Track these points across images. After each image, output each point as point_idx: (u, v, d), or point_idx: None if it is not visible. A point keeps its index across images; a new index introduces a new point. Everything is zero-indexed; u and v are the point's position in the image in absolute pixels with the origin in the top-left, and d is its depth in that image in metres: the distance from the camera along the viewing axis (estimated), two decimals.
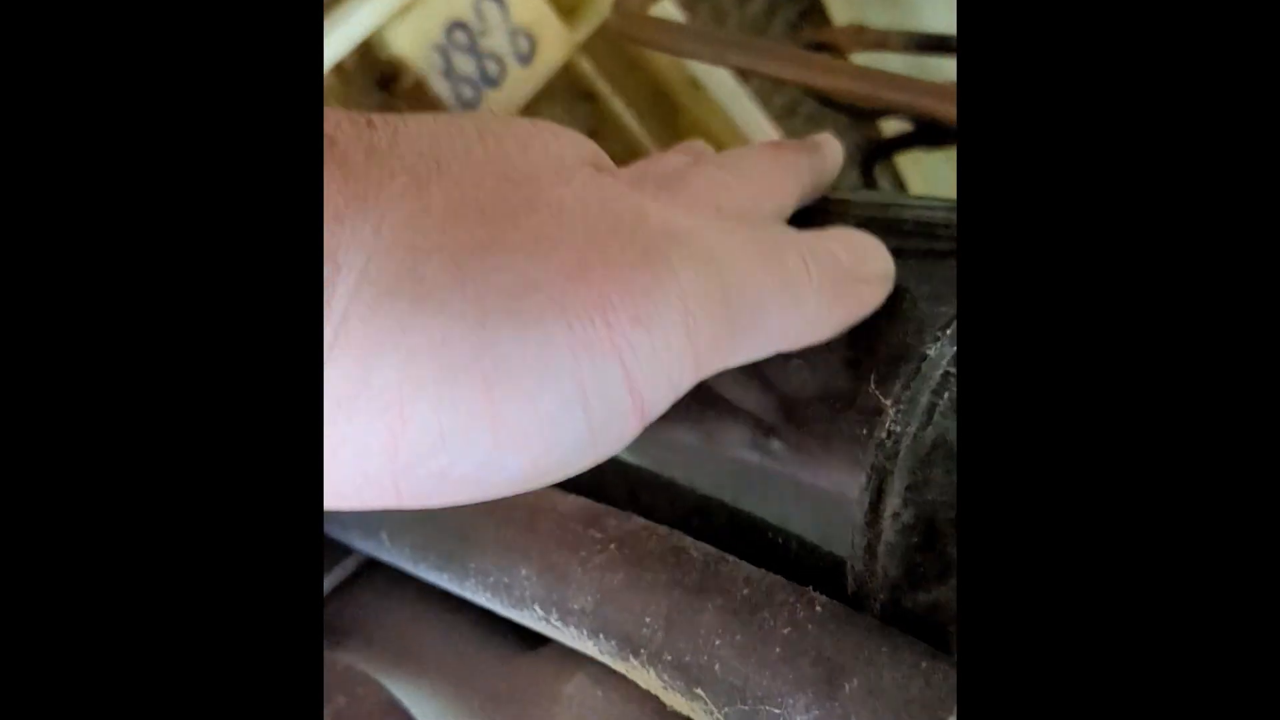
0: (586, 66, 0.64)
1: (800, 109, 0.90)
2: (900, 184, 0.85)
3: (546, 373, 0.23)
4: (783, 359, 0.31)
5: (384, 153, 0.22)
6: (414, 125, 0.23)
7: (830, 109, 0.59)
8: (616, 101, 0.65)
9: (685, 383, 0.25)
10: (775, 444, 0.31)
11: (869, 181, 0.63)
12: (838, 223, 0.34)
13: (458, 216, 0.22)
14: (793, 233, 0.30)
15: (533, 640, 0.37)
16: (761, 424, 0.32)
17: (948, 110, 0.42)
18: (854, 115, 0.61)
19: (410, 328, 0.22)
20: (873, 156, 0.61)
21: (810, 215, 0.35)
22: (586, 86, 0.65)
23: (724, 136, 0.68)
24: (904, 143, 0.58)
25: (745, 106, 0.68)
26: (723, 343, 0.26)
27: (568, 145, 0.25)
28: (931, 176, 0.81)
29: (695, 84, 0.67)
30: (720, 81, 0.67)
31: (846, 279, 0.29)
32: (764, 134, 0.70)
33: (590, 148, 0.26)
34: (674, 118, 0.68)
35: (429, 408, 0.22)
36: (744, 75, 0.65)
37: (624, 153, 0.67)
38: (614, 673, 0.32)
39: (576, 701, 0.33)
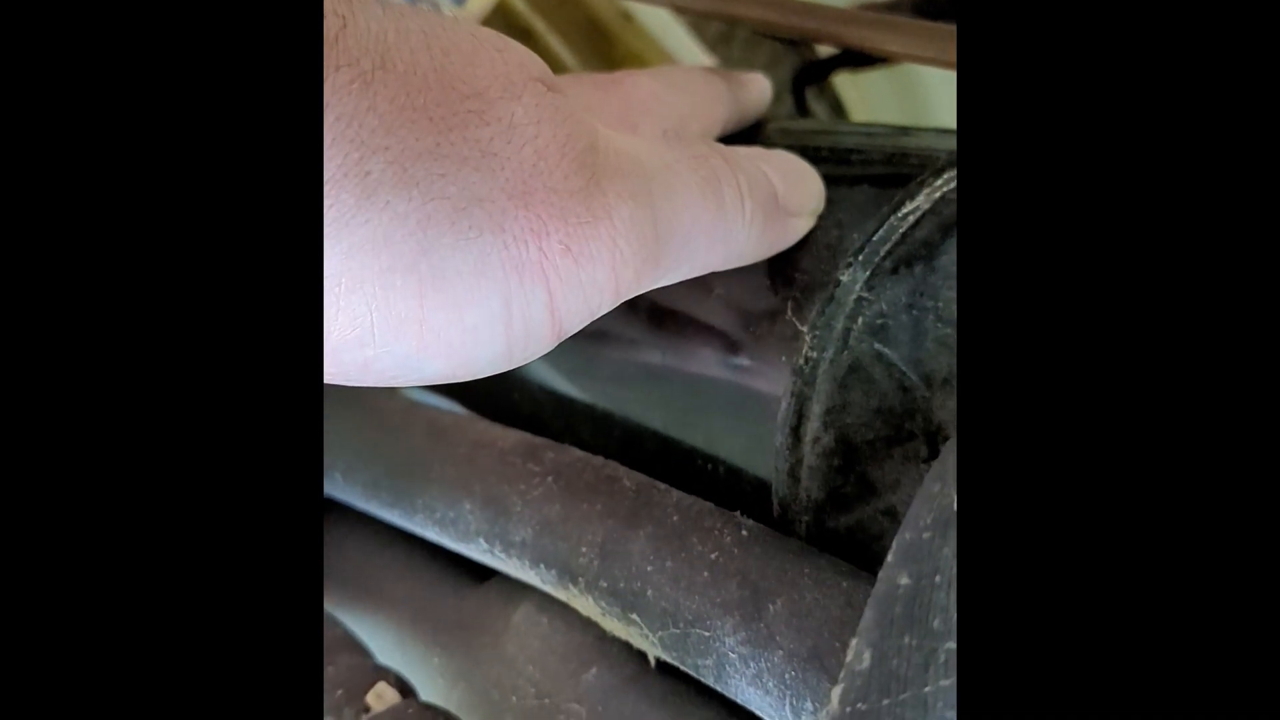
0: (520, 3, 0.63)
1: (735, 36, 0.89)
2: (839, 107, 0.84)
3: (478, 287, 0.23)
4: (704, 290, 0.31)
5: (330, 43, 0.21)
6: (362, 20, 0.22)
7: (764, 35, 0.58)
8: (552, 37, 0.64)
9: (603, 309, 0.26)
10: (699, 373, 0.31)
11: (801, 105, 0.63)
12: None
13: (404, 120, 0.22)
14: (736, 155, 0.29)
15: (481, 573, 0.37)
16: (688, 354, 0.32)
17: (866, 39, 0.41)
18: (787, 41, 0.61)
19: (354, 223, 0.22)
20: (803, 81, 0.61)
21: (734, 142, 0.35)
22: (521, 23, 0.64)
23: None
24: (831, 66, 0.57)
25: (678, 36, 0.68)
26: (646, 275, 0.26)
27: (515, 61, 0.25)
28: (870, 97, 0.80)
29: (628, 16, 0.66)
30: (652, 13, 0.66)
31: (778, 213, 0.29)
32: (697, 60, 0.70)
33: (538, 65, 0.25)
34: (609, 51, 0.67)
35: (363, 303, 0.22)
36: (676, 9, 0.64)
37: None
38: (557, 601, 0.32)
39: (523, 630, 0.33)
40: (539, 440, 0.34)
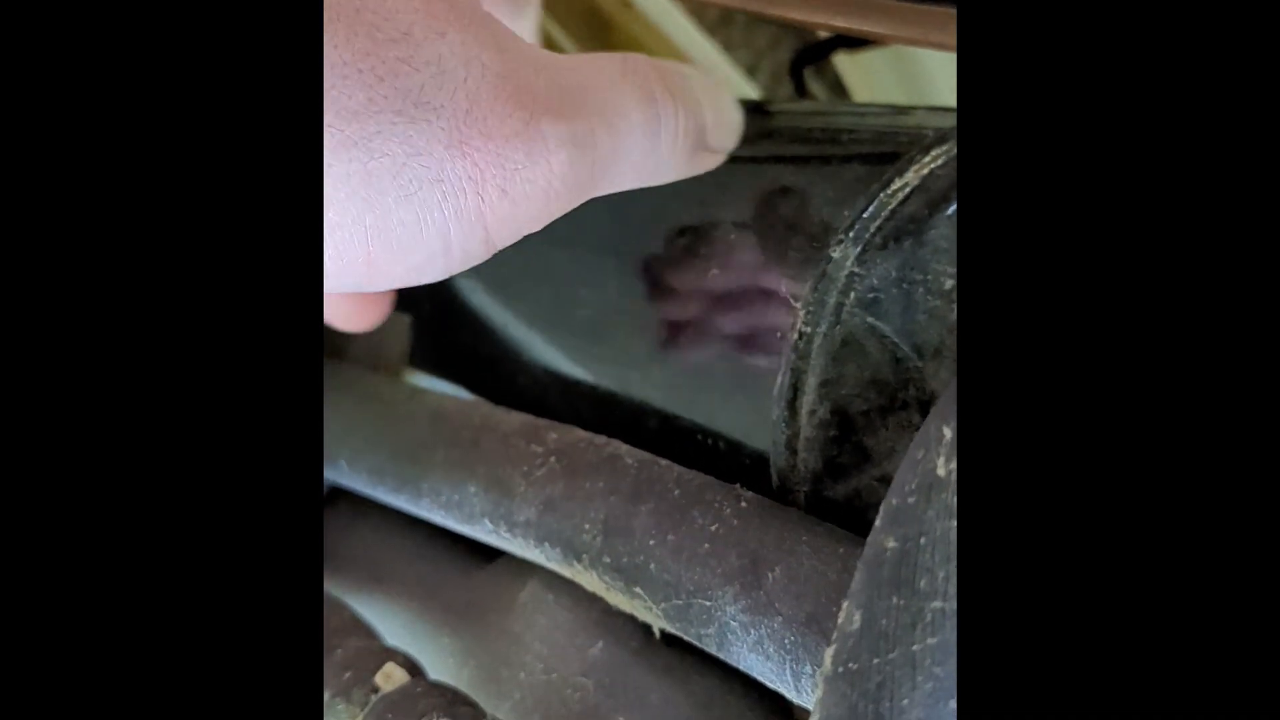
0: None
1: (734, 20, 0.89)
2: (839, 87, 0.84)
3: (420, 234, 0.24)
4: (701, 269, 0.31)
5: None
6: None
7: (762, 19, 0.58)
8: (549, 22, 0.65)
9: (534, 229, 0.27)
10: (698, 351, 0.32)
11: (800, 87, 0.63)
12: (762, 132, 0.34)
13: (336, 77, 0.22)
14: (677, 83, 0.29)
15: (488, 554, 0.37)
16: (685, 333, 0.32)
17: (857, 24, 0.41)
18: (785, 23, 0.61)
19: None
20: (801, 62, 0.61)
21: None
22: None
23: (658, 52, 0.68)
24: (829, 47, 0.57)
25: (677, 20, 0.68)
26: (576, 202, 0.27)
27: None
28: (870, 76, 0.80)
29: (626, 3, 0.66)
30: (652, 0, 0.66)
31: (702, 148, 0.30)
32: (698, 47, 0.70)
33: None
34: (608, 37, 0.68)
35: None
36: None
37: None
38: (563, 578, 0.32)
39: (529, 608, 0.33)
40: (542, 421, 0.34)
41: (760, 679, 0.26)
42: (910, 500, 0.18)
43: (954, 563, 0.18)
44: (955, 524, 0.18)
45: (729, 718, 0.29)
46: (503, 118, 0.24)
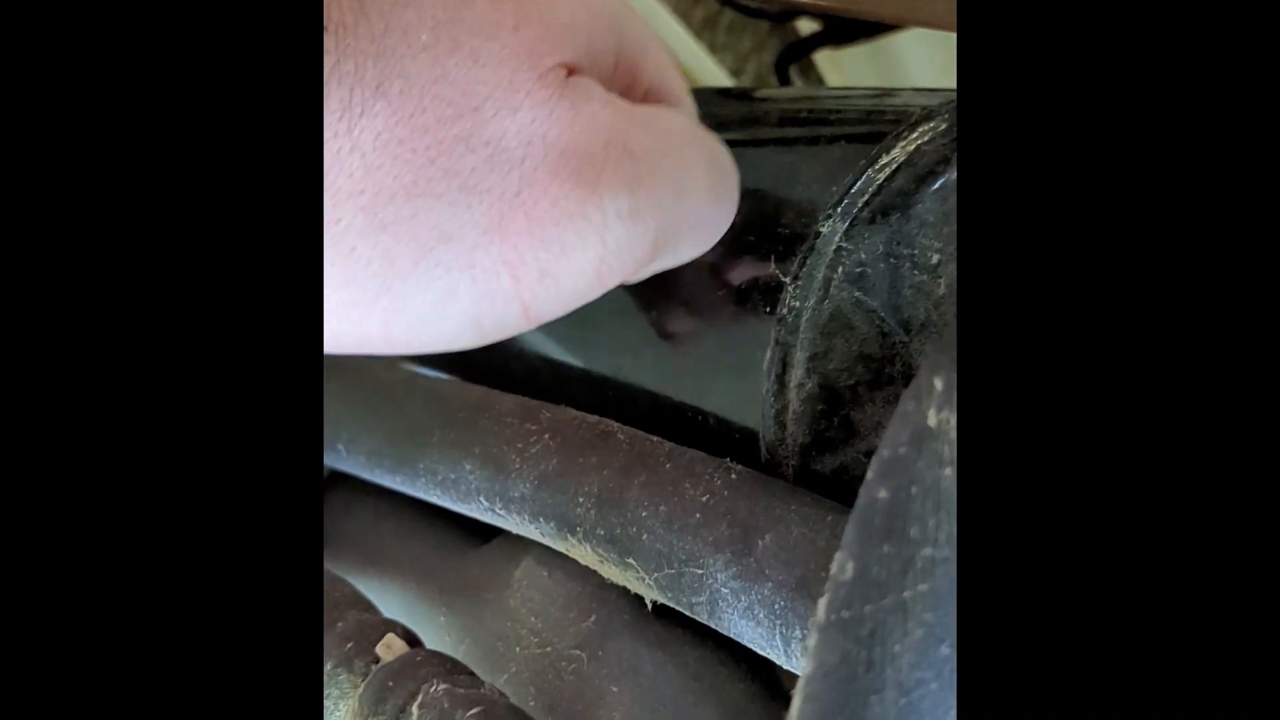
0: None
1: (720, 21, 0.90)
2: (823, 84, 0.85)
3: (442, 315, 0.23)
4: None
5: (327, 53, 0.20)
6: (373, 14, 0.20)
7: (749, 15, 0.59)
8: None
9: (587, 301, 0.25)
10: (688, 329, 0.32)
11: (785, 82, 0.64)
12: (750, 116, 0.35)
13: (388, 157, 0.21)
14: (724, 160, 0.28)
15: (484, 534, 0.37)
16: (676, 310, 0.32)
17: (846, 5, 0.42)
18: (772, 19, 0.61)
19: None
20: (786, 59, 0.61)
21: (728, 114, 0.36)
22: None
23: None
24: (812, 43, 0.58)
25: (664, 19, 0.68)
26: (634, 274, 0.25)
27: (529, 43, 0.22)
28: (851, 75, 0.81)
29: None
30: (644, 4, 0.67)
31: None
32: (684, 46, 0.70)
33: (574, 43, 0.23)
34: None
35: (333, 317, 0.22)
36: None
37: None
38: (557, 554, 0.32)
39: (525, 584, 0.33)
40: (535, 402, 0.34)
41: (751, 645, 0.27)
42: (901, 451, 0.19)
43: (944, 510, 0.18)
44: (946, 472, 0.18)
45: (719, 687, 0.29)
46: (555, 199, 0.22)
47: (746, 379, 0.30)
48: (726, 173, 0.27)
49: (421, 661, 0.29)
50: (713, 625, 0.27)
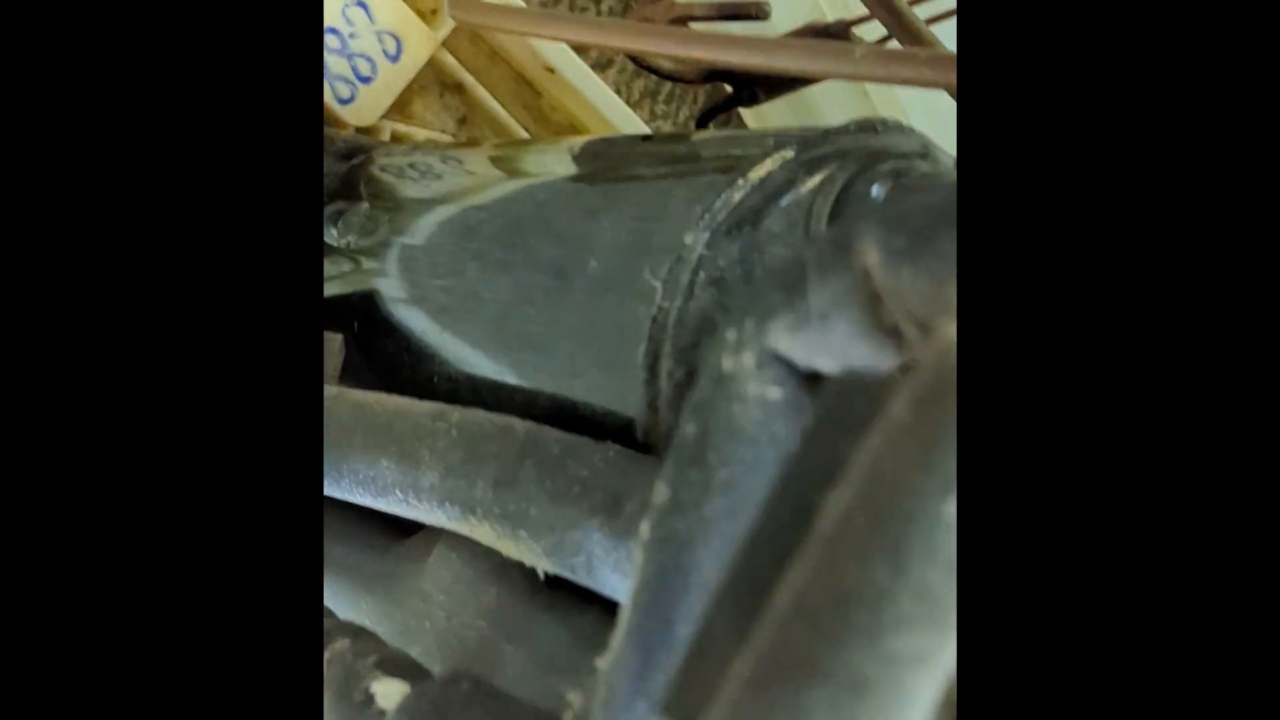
0: (451, 60, 0.67)
1: (660, 91, 0.94)
2: None
3: None
4: (580, 260, 0.35)
5: None
6: None
7: (664, 79, 0.63)
8: (481, 90, 0.69)
9: None
10: (578, 331, 0.35)
11: None
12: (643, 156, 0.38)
13: None
14: None
15: (406, 533, 0.40)
16: (570, 321, 0.36)
17: (756, 62, 0.45)
18: (689, 83, 0.65)
19: None
20: (706, 118, 0.65)
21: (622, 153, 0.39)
22: (454, 78, 0.68)
23: (582, 116, 0.72)
24: (727, 105, 0.62)
25: (598, 88, 0.72)
26: None
27: None
28: (773, 125, 0.85)
29: (551, 70, 0.70)
30: (573, 66, 0.70)
31: None
32: (619, 114, 0.74)
33: None
34: (535, 101, 0.72)
35: None
36: (580, 51, 0.69)
37: (494, 134, 0.70)
38: (465, 541, 0.35)
39: (435, 567, 0.36)
40: (448, 406, 0.37)
41: (621, 598, 0.30)
42: (705, 394, 0.22)
43: (738, 439, 0.21)
44: (735, 408, 0.21)
45: (601, 642, 0.32)
46: None
47: (626, 375, 0.33)
48: None
49: (331, 627, 0.31)
50: (590, 585, 0.30)
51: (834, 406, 0.19)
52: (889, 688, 0.14)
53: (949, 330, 0.16)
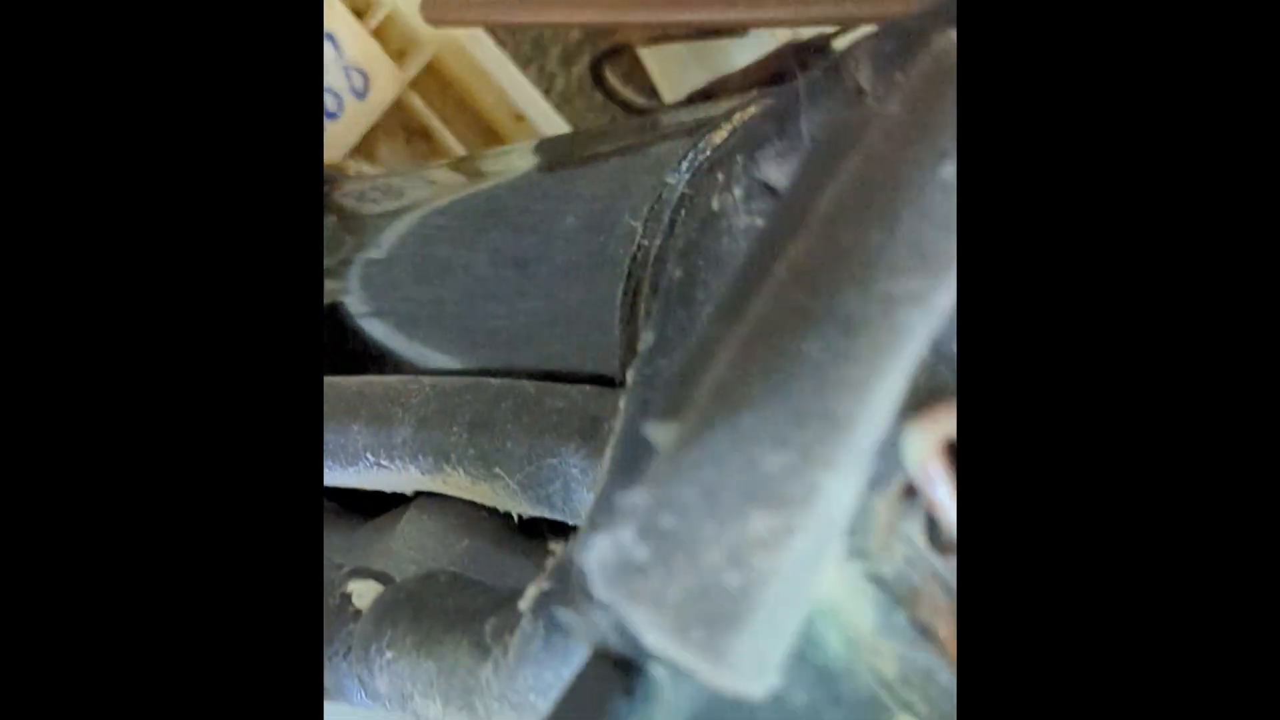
0: (418, 103, 0.68)
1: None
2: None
3: None
4: (559, 213, 0.35)
5: None
6: None
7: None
8: (449, 136, 0.69)
9: None
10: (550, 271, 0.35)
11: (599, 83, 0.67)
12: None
13: None
14: None
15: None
16: (551, 286, 0.36)
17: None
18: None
19: None
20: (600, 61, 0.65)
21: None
22: (420, 123, 0.68)
23: None
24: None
25: (526, 90, 0.71)
26: None
27: None
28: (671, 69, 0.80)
29: (519, 117, 0.71)
30: (541, 113, 0.71)
31: None
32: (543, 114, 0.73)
33: None
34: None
35: None
36: (547, 90, 0.70)
37: None
38: (436, 500, 0.34)
39: (406, 529, 0.35)
40: (422, 373, 0.37)
41: None
42: (693, 236, 0.21)
43: (725, 272, 0.21)
44: (726, 240, 0.21)
45: None
46: None
47: (606, 329, 0.32)
48: None
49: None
50: (566, 514, 0.30)
51: (820, 144, 0.18)
52: (882, 326, 0.14)
53: (948, 35, 0.16)
